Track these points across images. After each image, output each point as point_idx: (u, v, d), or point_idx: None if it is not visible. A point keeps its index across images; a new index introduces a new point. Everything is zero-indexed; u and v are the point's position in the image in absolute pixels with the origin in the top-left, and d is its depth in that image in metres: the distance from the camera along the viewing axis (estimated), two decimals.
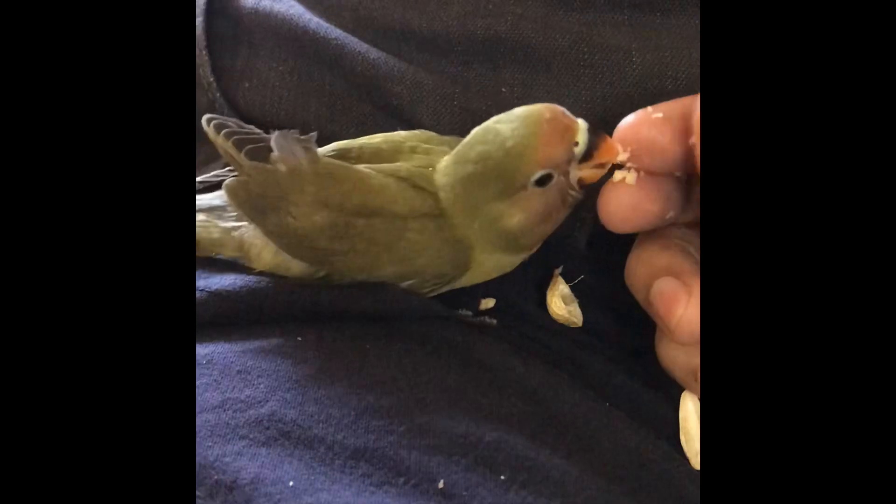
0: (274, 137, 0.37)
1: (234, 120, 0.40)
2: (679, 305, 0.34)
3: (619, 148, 0.34)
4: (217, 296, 0.37)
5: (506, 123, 0.35)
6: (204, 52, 0.48)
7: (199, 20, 0.48)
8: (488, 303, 0.42)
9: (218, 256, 0.40)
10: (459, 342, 0.38)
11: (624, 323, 0.43)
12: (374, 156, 0.39)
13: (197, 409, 0.32)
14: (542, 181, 0.35)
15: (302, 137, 0.37)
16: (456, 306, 0.41)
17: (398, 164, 0.38)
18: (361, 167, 0.38)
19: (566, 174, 0.35)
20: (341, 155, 0.40)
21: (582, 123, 0.35)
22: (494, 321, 0.41)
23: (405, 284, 0.38)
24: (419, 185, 0.37)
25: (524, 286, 0.43)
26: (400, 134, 0.40)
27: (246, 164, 0.37)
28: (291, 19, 0.46)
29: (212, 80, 0.48)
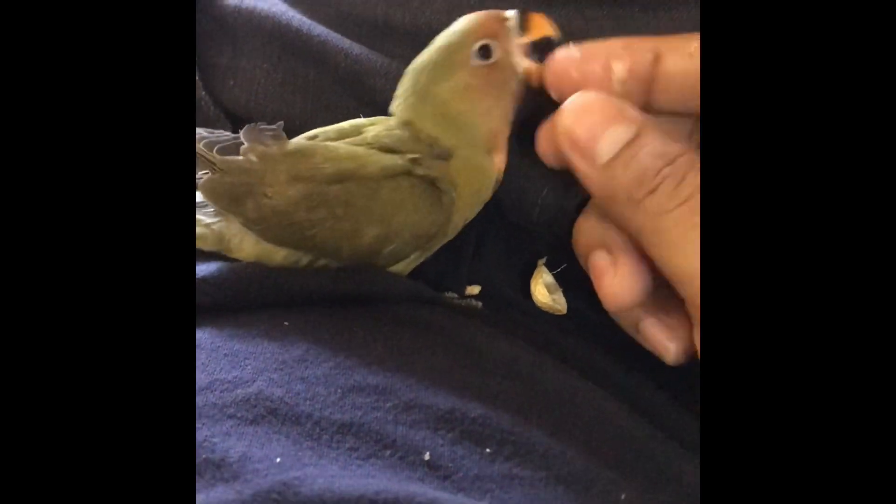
0: (243, 132, 0.39)
1: (205, 129, 0.41)
2: (607, 278, 0.36)
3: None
4: (204, 282, 0.37)
5: (454, 24, 0.39)
6: None
7: None
8: (473, 289, 0.43)
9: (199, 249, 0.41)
10: (446, 325, 0.38)
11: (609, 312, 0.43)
12: (339, 135, 0.40)
13: None
14: (483, 53, 0.38)
15: (270, 127, 0.39)
16: (442, 291, 0.41)
17: (362, 135, 0.40)
18: (329, 143, 0.39)
19: (507, 52, 0.38)
20: (308, 139, 0.41)
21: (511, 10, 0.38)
22: (480, 304, 0.41)
23: (388, 250, 0.38)
24: (386, 145, 0.38)
25: (508, 275, 0.44)
26: (363, 119, 0.42)
27: (218, 160, 0.39)
28: (274, 16, 0.47)
29: (196, 78, 0.48)
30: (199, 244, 0.40)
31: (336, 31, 0.46)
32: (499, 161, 0.39)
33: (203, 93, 0.48)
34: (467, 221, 0.40)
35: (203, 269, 0.38)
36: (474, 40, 0.37)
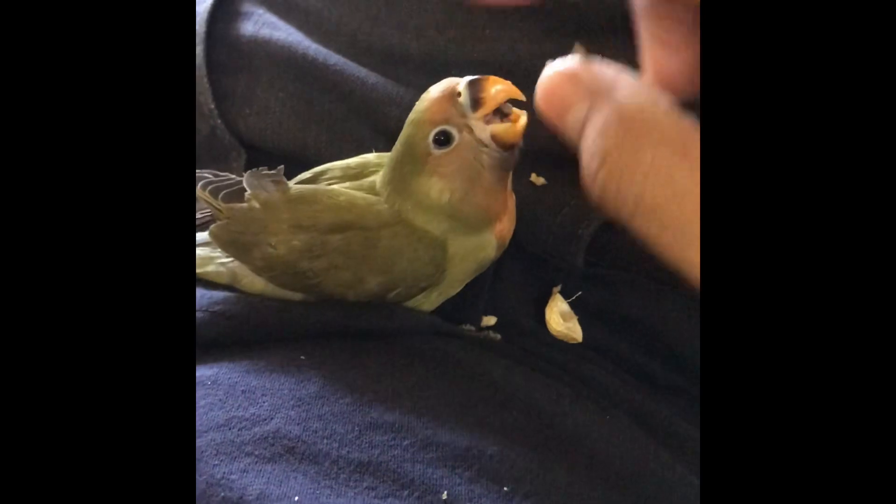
0: (245, 177, 0.39)
1: (209, 171, 0.42)
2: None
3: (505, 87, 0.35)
4: (220, 316, 0.37)
5: (415, 105, 0.37)
6: (205, 80, 0.49)
7: (200, 48, 0.49)
8: (489, 320, 0.43)
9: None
10: (462, 358, 0.38)
11: (623, 337, 0.43)
12: (344, 175, 0.40)
13: (202, 428, 0.32)
14: (441, 140, 0.36)
15: (271, 172, 0.39)
16: (458, 324, 0.41)
17: (363, 179, 0.40)
18: (331, 186, 0.39)
19: (468, 130, 0.36)
20: (314, 178, 0.41)
21: (466, 78, 0.36)
22: (499, 336, 0.41)
23: (392, 295, 0.38)
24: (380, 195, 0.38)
25: (523, 304, 0.44)
26: (374, 154, 0.42)
27: (224, 207, 0.39)
28: (290, 46, 0.47)
29: (213, 107, 0.49)
30: (214, 279, 0.41)
31: (352, 60, 0.46)
32: (500, 228, 0.38)
33: (219, 121, 0.49)
34: (469, 277, 0.40)
35: (219, 301, 0.38)
36: (427, 128, 0.36)
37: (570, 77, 0.29)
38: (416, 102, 0.37)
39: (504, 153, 0.36)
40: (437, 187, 0.37)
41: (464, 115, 0.35)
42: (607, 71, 0.29)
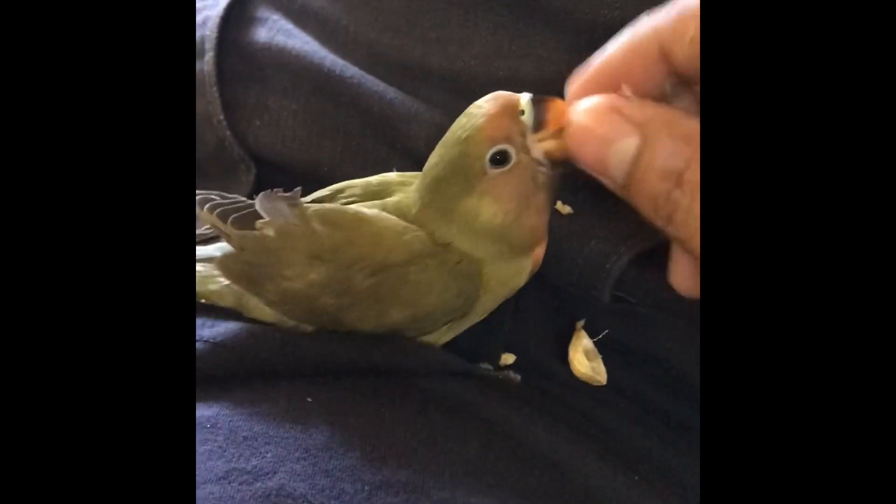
0: (258, 200, 0.36)
1: (216, 192, 0.38)
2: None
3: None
4: (220, 346, 0.35)
5: (461, 120, 0.34)
6: (214, 89, 0.46)
7: (210, 55, 0.47)
8: (508, 358, 0.40)
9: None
10: (479, 403, 0.36)
11: (649, 380, 0.41)
12: (365, 193, 0.38)
13: (201, 479, 0.30)
14: (499, 160, 0.33)
15: (286, 195, 0.36)
16: (474, 361, 0.39)
17: (385, 199, 0.37)
18: (352, 208, 0.36)
19: (525, 150, 0.33)
20: (333, 195, 0.38)
21: (525, 95, 0.33)
22: (518, 377, 0.39)
23: (414, 327, 0.36)
24: (406, 216, 0.35)
25: (545, 340, 0.41)
26: (395, 174, 0.39)
27: (234, 234, 0.36)
28: (306, 56, 0.45)
29: (221, 117, 0.46)
30: (217, 301, 0.38)
31: (370, 73, 0.44)
32: (537, 253, 0.36)
33: (227, 132, 0.46)
34: (497, 304, 0.37)
35: (219, 331, 0.36)
36: (487, 146, 0.33)
37: (612, 111, 0.30)
38: (463, 117, 0.34)
39: (555, 172, 0.34)
40: (489, 209, 0.34)
41: (523, 135, 0.33)
42: (649, 105, 0.31)
